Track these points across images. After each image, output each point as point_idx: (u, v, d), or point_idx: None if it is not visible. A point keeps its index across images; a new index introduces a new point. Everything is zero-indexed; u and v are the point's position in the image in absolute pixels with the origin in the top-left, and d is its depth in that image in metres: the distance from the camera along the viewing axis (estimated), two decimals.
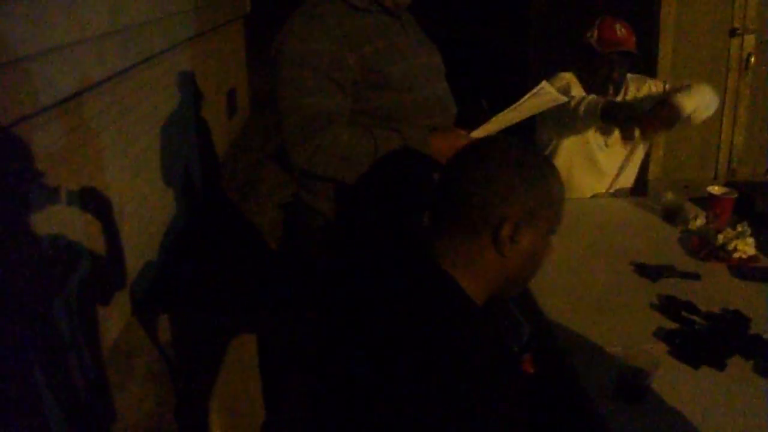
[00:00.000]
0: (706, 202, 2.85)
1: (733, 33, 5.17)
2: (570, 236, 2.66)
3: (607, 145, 3.27)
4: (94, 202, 3.36)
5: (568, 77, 3.30)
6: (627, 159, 3.33)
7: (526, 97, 2.17)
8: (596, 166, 3.31)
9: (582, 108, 2.97)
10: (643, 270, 2.46)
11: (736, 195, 2.84)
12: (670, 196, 2.95)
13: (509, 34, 10.83)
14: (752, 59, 5.17)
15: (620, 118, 2.91)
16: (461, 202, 1.38)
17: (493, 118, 2.23)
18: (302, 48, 2.11)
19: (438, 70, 2.43)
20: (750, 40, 5.19)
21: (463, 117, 2.43)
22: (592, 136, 3.23)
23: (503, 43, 11.36)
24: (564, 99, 2.35)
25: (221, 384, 1.72)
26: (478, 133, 2.25)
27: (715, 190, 2.82)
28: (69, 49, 3.10)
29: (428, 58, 2.39)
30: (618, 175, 3.36)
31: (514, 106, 2.19)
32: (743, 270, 2.47)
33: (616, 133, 3.25)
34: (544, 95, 2.20)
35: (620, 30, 3.16)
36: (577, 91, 3.22)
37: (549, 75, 3.10)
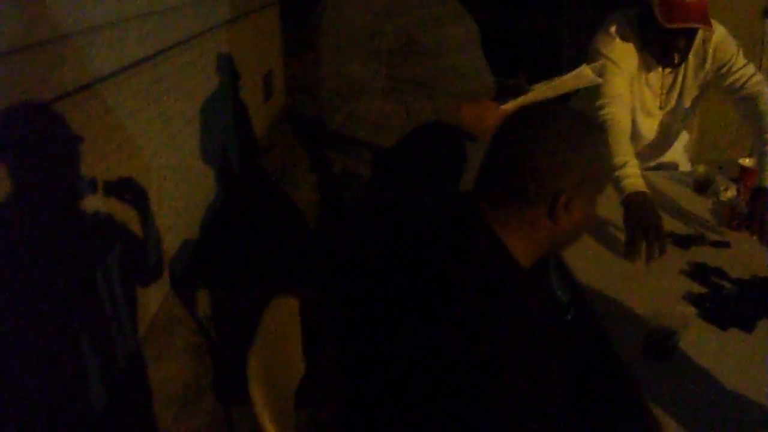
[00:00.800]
0: (738, 174, 2.85)
1: (766, 14, 5.14)
2: (604, 206, 2.67)
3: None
4: (133, 179, 3.43)
5: (620, 49, 2.78)
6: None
7: (566, 76, 2.23)
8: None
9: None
10: (674, 238, 2.48)
11: None
12: (701, 169, 2.96)
13: (543, 21, 10.83)
14: None
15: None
16: (516, 172, 1.39)
17: (529, 93, 2.27)
18: (339, 18, 2.18)
19: (474, 39, 2.46)
20: None
21: (500, 89, 2.47)
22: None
23: (537, 29, 11.36)
24: (599, 81, 2.43)
25: (258, 352, 1.76)
26: (509, 106, 2.27)
27: (746, 162, 2.82)
28: (109, 29, 3.17)
29: (464, 27, 2.42)
30: None
31: (552, 83, 2.24)
32: None
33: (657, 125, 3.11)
34: (583, 78, 2.27)
35: None
36: (633, 61, 2.82)
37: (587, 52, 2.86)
